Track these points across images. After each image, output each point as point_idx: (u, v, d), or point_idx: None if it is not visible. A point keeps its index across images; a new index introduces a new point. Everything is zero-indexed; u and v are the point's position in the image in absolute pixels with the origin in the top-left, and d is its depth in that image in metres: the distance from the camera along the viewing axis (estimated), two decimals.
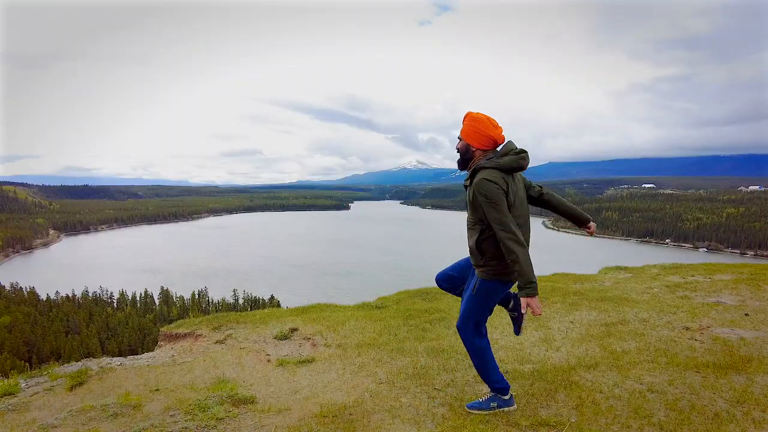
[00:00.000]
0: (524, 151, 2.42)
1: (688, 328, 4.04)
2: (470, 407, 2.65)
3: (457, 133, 2.58)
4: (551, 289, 5.91)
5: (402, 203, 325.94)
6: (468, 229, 2.55)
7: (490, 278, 2.48)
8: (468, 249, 2.58)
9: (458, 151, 2.58)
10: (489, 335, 4.19)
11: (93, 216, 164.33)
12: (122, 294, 62.45)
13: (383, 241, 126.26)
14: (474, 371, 3.25)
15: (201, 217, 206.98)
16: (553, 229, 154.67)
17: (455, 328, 4.45)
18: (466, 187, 2.53)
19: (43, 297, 57.23)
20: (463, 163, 2.57)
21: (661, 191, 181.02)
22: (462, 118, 2.57)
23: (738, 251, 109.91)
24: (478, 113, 2.50)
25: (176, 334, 5.11)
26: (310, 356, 3.89)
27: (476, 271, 2.55)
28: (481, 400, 2.67)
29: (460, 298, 2.82)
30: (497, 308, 5.06)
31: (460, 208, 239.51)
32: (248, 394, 2.99)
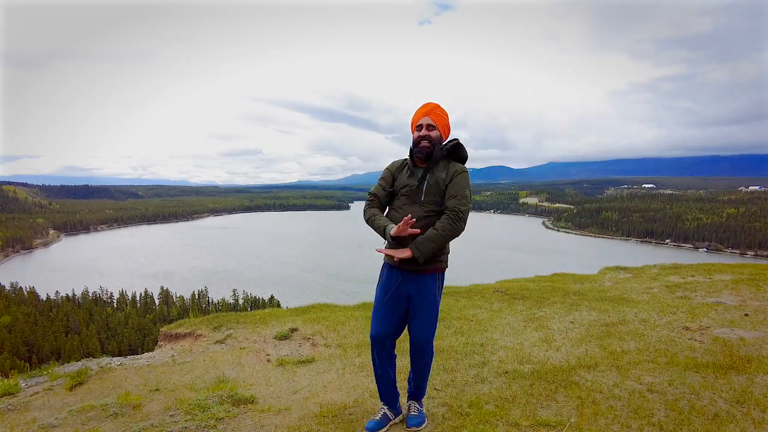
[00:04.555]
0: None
1: (687, 329, 4.05)
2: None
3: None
4: (551, 289, 5.91)
5: None
6: (429, 217, 2.29)
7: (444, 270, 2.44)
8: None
9: (431, 142, 2.30)
10: (489, 335, 4.20)
11: (93, 216, 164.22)
12: (122, 294, 62.44)
13: (383, 241, 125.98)
14: (474, 371, 3.26)
15: (201, 217, 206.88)
16: (553, 229, 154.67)
17: (455, 328, 4.47)
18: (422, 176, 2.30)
19: (43, 297, 57.23)
20: (427, 156, 2.30)
21: (661, 191, 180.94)
22: (423, 108, 2.37)
23: (738, 251, 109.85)
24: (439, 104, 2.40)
25: (176, 334, 5.12)
26: (309, 356, 3.90)
27: (434, 266, 2.34)
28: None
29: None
30: (498, 308, 5.04)
31: None
32: (248, 394, 2.99)
